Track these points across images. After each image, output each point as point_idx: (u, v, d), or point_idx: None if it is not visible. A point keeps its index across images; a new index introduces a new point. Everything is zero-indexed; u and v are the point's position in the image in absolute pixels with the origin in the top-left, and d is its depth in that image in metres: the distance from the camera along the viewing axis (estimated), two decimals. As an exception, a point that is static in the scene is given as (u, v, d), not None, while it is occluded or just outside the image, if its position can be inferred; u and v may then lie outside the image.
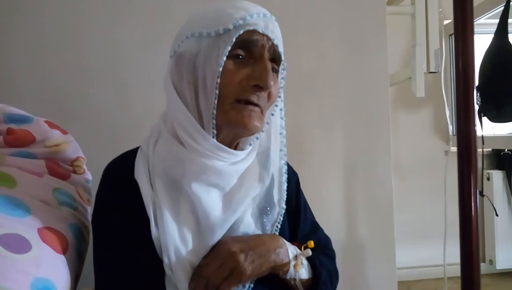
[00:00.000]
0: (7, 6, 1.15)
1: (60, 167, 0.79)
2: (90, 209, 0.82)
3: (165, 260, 0.62)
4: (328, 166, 1.31)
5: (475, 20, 1.73)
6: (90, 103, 1.17)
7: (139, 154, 0.70)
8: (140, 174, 0.66)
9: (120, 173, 0.69)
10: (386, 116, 1.33)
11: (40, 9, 1.16)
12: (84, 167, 0.88)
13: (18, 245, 0.56)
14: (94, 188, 0.75)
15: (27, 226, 0.60)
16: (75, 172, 0.83)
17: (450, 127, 1.15)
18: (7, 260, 0.52)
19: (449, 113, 1.17)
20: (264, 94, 0.65)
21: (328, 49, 1.30)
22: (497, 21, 1.61)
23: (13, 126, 0.76)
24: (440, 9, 1.53)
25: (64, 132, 0.84)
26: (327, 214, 1.30)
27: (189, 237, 0.63)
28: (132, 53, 1.18)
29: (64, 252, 0.64)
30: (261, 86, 0.63)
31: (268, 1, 1.20)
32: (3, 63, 1.15)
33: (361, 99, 1.32)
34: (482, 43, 1.69)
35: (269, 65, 0.64)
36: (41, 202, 0.68)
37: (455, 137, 0.98)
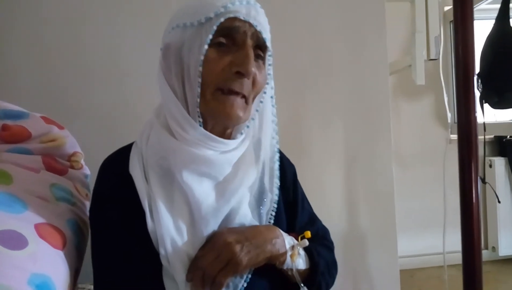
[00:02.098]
0: (7, 2, 1.14)
1: (57, 163, 0.79)
2: (88, 204, 0.82)
3: (162, 251, 0.62)
4: (328, 157, 1.31)
5: (475, 5, 1.71)
6: (90, 98, 1.17)
7: (133, 149, 0.70)
8: (135, 168, 0.67)
9: (116, 168, 0.70)
10: (386, 105, 1.32)
11: (40, 4, 1.15)
12: (82, 162, 0.88)
13: (15, 241, 0.56)
14: (92, 183, 0.75)
15: (23, 222, 0.60)
16: (72, 167, 0.83)
17: (449, 115, 1.14)
18: (3, 257, 0.52)
19: (447, 100, 1.16)
20: (248, 82, 0.65)
21: (327, 39, 1.29)
22: (498, 6, 1.59)
23: (9, 122, 0.76)
24: (440, -5, 1.51)
25: (61, 127, 0.84)
26: (329, 205, 1.30)
27: (184, 228, 0.64)
28: (132, 48, 1.17)
29: (62, 247, 0.64)
30: (242, 73, 0.63)
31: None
32: (2, 59, 1.14)
33: (361, 89, 1.31)
34: (483, 29, 1.67)
35: (251, 51, 0.64)
36: (38, 198, 0.68)
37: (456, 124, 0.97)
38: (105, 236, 0.67)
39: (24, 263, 0.54)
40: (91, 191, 0.76)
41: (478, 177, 1.50)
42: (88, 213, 0.78)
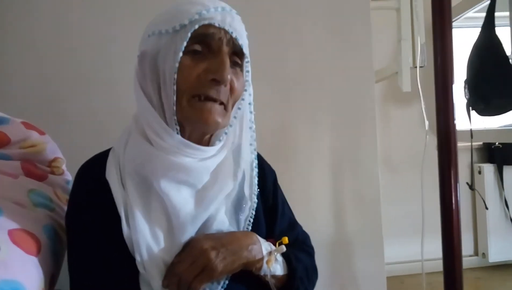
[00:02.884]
0: (-2, 6, 1.15)
1: (36, 168, 0.79)
2: (67, 209, 0.82)
3: (137, 258, 0.62)
4: (314, 163, 1.31)
5: (460, 14, 1.73)
6: (78, 103, 1.17)
7: (110, 155, 0.70)
8: (111, 174, 0.67)
9: (92, 174, 0.70)
10: (372, 111, 1.33)
11: (31, 7, 1.15)
12: (63, 167, 0.88)
13: (-14, 247, 0.55)
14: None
15: (-3, 228, 0.60)
16: (53, 172, 0.83)
17: (427, 122, 1.15)
18: (-27, 263, 0.52)
19: (424, 107, 1.18)
20: (224, 89, 0.65)
21: (313, 45, 1.30)
22: (483, 14, 1.61)
23: (-12, 127, 0.76)
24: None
25: (42, 133, 0.84)
26: (315, 210, 1.30)
27: (160, 235, 0.64)
28: (121, 53, 1.17)
29: (36, 253, 0.63)
30: (218, 80, 0.63)
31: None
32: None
33: (346, 95, 1.32)
34: (470, 37, 1.69)
35: (226, 58, 0.64)
36: (15, 203, 0.68)
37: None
38: (82, 241, 0.67)
39: (-5, 269, 0.54)
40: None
41: (466, 184, 1.51)
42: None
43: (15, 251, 0.59)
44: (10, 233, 0.61)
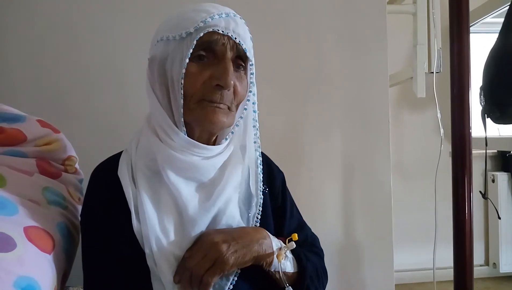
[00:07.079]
0: (4, 3, 1.16)
1: (51, 166, 0.79)
2: (80, 208, 0.83)
3: (147, 251, 0.63)
4: (326, 167, 1.30)
5: (480, 18, 1.70)
6: (87, 101, 1.17)
7: (123, 155, 0.73)
8: (123, 171, 0.69)
9: (106, 174, 0.72)
10: (385, 117, 1.31)
11: (37, 6, 1.16)
12: (76, 166, 0.88)
13: (3, 243, 0.56)
14: (85, 187, 0.76)
15: (13, 225, 0.61)
16: (66, 171, 0.84)
17: (442, 130, 1.14)
18: (-10, 259, 0.53)
19: (440, 114, 1.16)
20: (228, 93, 0.67)
21: (327, 49, 1.29)
22: (502, 20, 1.58)
23: (5, 125, 0.77)
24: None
25: (56, 131, 0.85)
26: (324, 214, 1.29)
27: (170, 228, 0.65)
28: (130, 51, 1.18)
29: (50, 251, 0.64)
30: (221, 85, 0.65)
31: (267, 1, 1.20)
32: (0, 61, 1.15)
33: (360, 100, 1.31)
34: (487, 42, 1.66)
35: (229, 64, 0.66)
36: (30, 201, 0.68)
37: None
38: (96, 241, 0.68)
39: (11, 265, 0.55)
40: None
41: (479, 192, 1.49)
42: (79, 217, 0.79)
43: (30, 248, 0.59)
44: (26, 230, 0.61)
